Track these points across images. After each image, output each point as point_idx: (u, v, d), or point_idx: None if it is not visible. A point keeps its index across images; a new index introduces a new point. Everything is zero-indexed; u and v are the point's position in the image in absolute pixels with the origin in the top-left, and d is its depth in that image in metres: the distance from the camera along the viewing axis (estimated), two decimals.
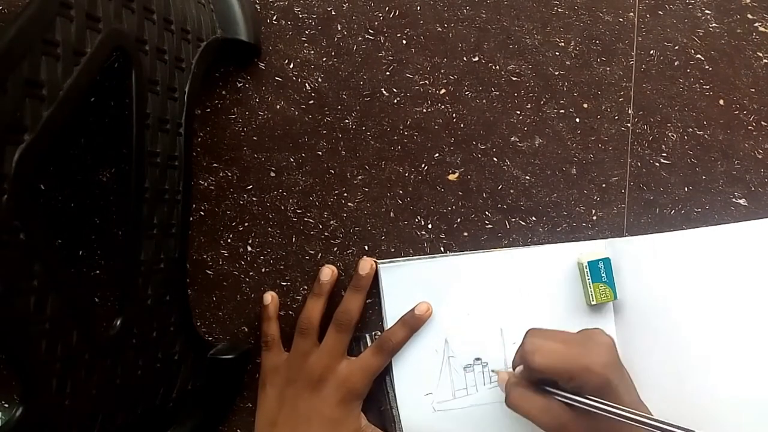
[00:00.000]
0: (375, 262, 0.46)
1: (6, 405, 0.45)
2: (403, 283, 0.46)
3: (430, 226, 0.47)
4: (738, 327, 0.44)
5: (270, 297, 0.46)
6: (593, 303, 0.45)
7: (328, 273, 0.46)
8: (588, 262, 0.45)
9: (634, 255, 0.46)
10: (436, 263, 0.46)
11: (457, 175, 0.48)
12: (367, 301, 0.46)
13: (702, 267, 0.45)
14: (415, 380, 0.46)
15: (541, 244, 0.47)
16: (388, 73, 0.48)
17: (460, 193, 0.48)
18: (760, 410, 0.43)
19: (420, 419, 0.46)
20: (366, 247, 0.47)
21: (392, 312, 0.46)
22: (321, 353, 0.45)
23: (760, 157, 0.48)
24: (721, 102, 0.48)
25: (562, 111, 0.48)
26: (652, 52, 0.48)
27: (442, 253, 0.47)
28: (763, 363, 0.44)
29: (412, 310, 0.45)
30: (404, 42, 0.48)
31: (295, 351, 0.45)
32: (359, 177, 0.48)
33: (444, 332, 0.46)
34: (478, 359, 0.46)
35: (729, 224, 0.46)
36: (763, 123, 0.48)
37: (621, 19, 0.48)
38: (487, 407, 0.46)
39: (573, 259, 0.46)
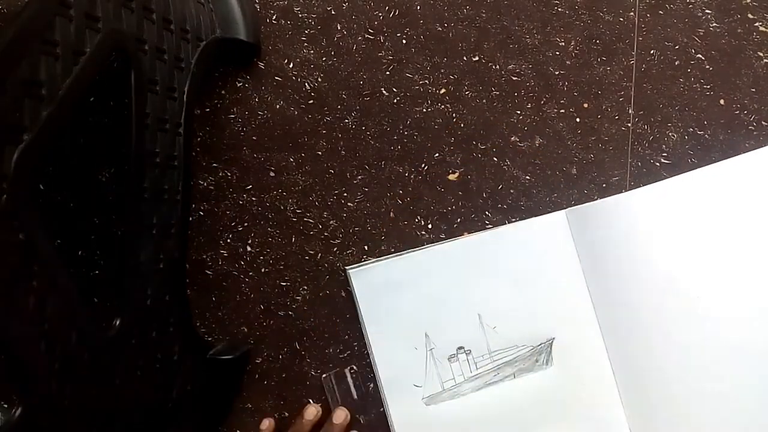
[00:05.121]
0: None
1: (5, 405, 0.45)
2: (375, 284, 0.46)
3: (430, 226, 0.47)
4: (718, 271, 0.43)
5: (267, 423, 0.46)
6: None
7: (312, 412, 0.45)
8: None
9: (599, 216, 0.46)
10: (405, 260, 0.46)
11: (457, 174, 0.48)
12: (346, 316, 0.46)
13: (667, 216, 0.44)
14: (402, 380, 0.46)
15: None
16: (388, 72, 0.48)
17: (460, 193, 0.48)
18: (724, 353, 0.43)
19: (413, 418, 0.46)
20: (366, 247, 0.47)
21: (368, 316, 0.46)
22: None
23: None
24: (722, 102, 0.48)
25: (563, 111, 0.48)
26: (652, 51, 0.48)
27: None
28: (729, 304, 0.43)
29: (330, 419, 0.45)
30: (404, 42, 0.48)
31: None
32: (359, 177, 0.48)
33: (423, 327, 0.46)
34: (461, 348, 0.46)
35: (683, 174, 0.45)
36: (763, 123, 0.48)
37: (621, 19, 0.48)
38: (478, 394, 0.46)
39: (534, 234, 0.46)
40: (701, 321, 0.43)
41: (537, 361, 0.46)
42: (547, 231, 0.46)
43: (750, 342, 0.42)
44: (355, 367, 0.47)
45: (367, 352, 0.46)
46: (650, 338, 0.45)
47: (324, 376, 0.46)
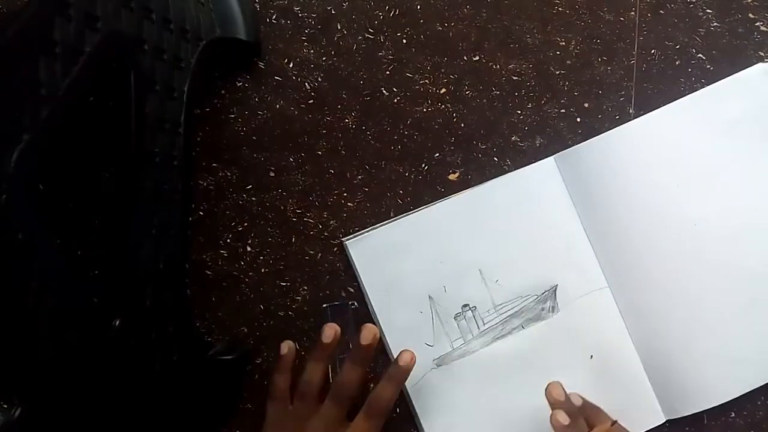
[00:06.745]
0: (376, 333, 0.43)
1: (5, 405, 0.45)
2: (374, 252, 0.46)
3: None
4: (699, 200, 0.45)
5: (287, 347, 0.44)
6: None
7: (330, 334, 0.43)
8: None
9: (586, 157, 0.46)
10: (400, 224, 0.46)
11: (457, 174, 0.48)
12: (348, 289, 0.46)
13: (651, 150, 0.46)
14: (411, 345, 0.45)
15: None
16: (388, 72, 0.48)
17: None
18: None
19: (425, 381, 0.45)
20: None
21: (370, 286, 0.46)
22: (319, 422, 0.43)
23: None
24: None
25: (563, 110, 0.48)
26: (653, 51, 0.48)
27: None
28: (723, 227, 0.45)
29: (396, 361, 0.42)
30: (404, 41, 0.48)
31: (295, 414, 0.44)
32: (359, 177, 0.48)
33: (425, 290, 0.46)
34: (465, 305, 0.46)
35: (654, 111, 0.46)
36: None
37: (622, 18, 0.48)
38: (488, 349, 0.46)
39: (526, 183, 0.47)
40: (698, 244, 0.45)
41: (543, 309, 0.46)
42: (538, 178, 0.47)
43: (746, 263, 0.44)
44: (356, 303, 0.47)
45: None
46: (649, 267, 0.45)
47: (324, 305, 0.46)
